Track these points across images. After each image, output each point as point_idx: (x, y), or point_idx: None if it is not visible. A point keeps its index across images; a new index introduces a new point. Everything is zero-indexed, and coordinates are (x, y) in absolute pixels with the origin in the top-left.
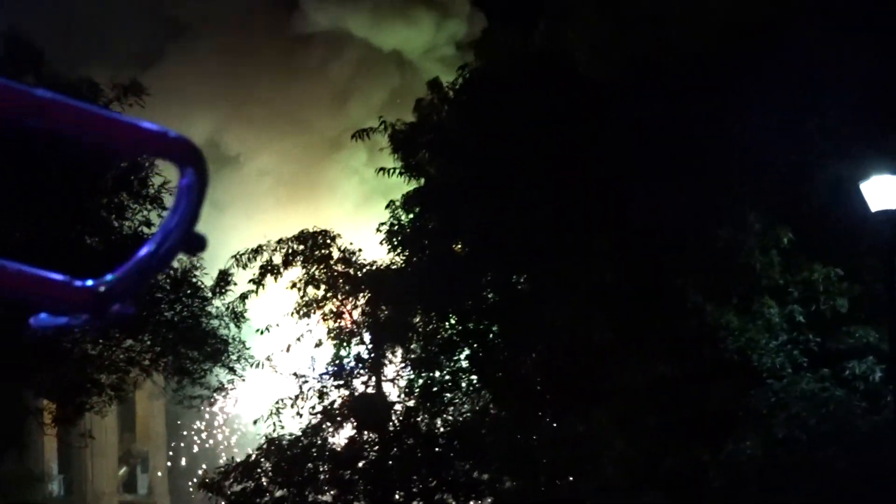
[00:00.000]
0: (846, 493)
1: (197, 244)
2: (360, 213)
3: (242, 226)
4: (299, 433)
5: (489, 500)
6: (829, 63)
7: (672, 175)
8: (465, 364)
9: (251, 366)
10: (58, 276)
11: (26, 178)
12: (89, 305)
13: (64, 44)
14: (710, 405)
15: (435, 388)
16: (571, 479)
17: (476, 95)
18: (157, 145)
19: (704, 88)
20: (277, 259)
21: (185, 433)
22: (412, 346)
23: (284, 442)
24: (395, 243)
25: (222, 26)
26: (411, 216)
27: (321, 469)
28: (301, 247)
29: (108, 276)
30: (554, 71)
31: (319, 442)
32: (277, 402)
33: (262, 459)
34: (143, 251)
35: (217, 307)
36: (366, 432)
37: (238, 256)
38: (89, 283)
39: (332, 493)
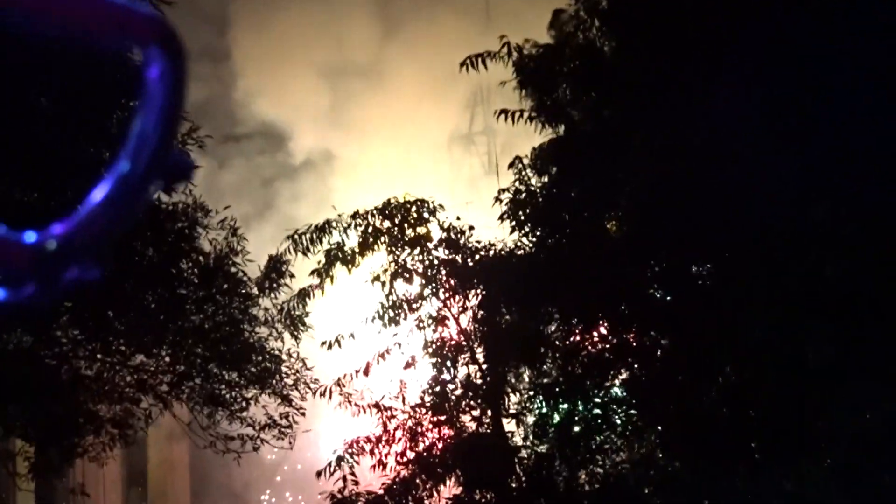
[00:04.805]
0: None
1: (179, 170)
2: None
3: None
4: (381, 491)
5: None
6: None
7: None
8: (620, 393)
9: (313, 394)
10: None
11: None
12: (34, 270)
13: None
14: None
15: (577, 428)
16: None
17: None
18: (115, 22)
19: None
20: (352, 240)
21: (217, 488)
22: (545, 367)
23: (361, 503)
24: (522, 218)
25: None
26: (545, 179)
27: None
28: (386, 223)
29: (58, 227)
30: None
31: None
32: (351, 447)
33: None
34: (106, 184)
35: (266, 310)
36: (478, 490)
37: (296, 237)
38: (31, 236)
39: None
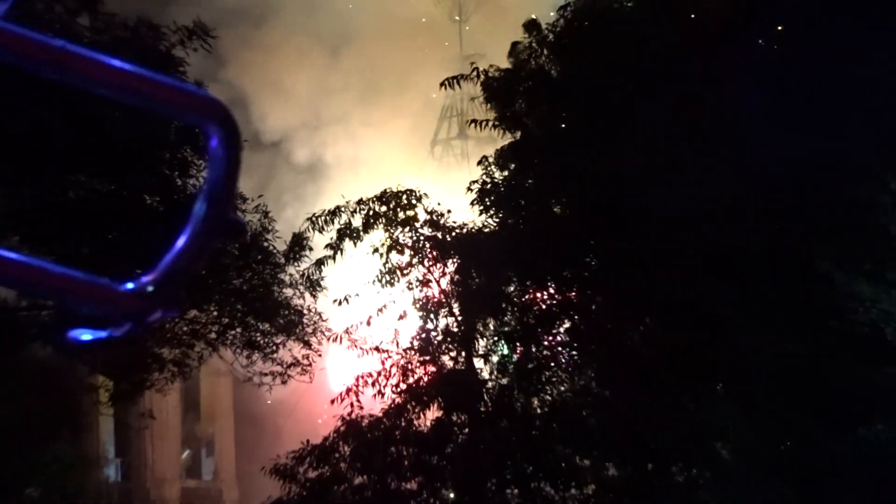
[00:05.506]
0: None
1: (235, 228)
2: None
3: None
4: (380, 414)
5: (591, 488)
6: None
7: (797, 122)
8: (564, 338)
9: (328, 340)
10: (101, 280)
11: (79, 129)
12: (133, 312)
13: None
14: (838, 385)
15: (531, 365)
16: (683, 466)
17: (580, 35)
18: (181, 102)
19: (830, 19)
20: (357, 221)
21: (254, 413)
22: (506, 319)
23: (364, 424)
24: (488, 203)
25: None
26: (506, 173)
27: (405, 454)
28: (383, 208)
29: (147, 277)
30: (665, 4)
31: (403, 424)
32: (357, 380)
33: (340, 443)
34: (182, 241)
35: (291, 275)
36: (454, 413)
37: (314, 219)
38: (130, 285)
39: (416, 479)
